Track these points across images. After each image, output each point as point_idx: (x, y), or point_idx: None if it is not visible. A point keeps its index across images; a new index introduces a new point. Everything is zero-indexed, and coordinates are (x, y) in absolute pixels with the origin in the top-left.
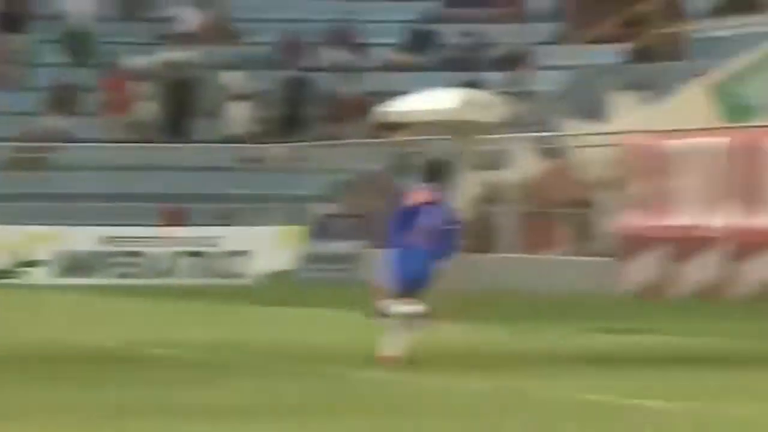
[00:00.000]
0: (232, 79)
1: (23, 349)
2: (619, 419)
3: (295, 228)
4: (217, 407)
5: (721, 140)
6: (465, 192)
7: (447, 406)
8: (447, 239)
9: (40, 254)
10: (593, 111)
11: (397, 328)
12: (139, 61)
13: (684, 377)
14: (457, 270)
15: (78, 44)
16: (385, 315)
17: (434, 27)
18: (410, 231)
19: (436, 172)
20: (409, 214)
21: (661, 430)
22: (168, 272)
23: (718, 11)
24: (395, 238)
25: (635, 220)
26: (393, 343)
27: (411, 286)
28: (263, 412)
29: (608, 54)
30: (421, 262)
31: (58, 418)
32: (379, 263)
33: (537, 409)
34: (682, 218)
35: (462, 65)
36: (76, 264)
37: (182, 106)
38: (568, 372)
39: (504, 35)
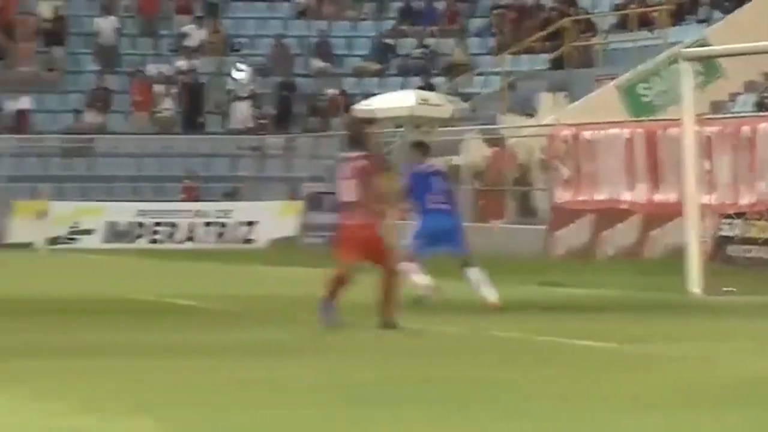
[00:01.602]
0: (236, 82)
1: (76, 301)
2: (573, 357)
3: (293, 203)
4: (229, 346)
5: (628, 131)
6: None
7: (428, 347)
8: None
9: (89, 224)
10: (525, 108)
11: (484, 279)
12: (160, 68)
13: (611, 322)
14: None
15: (108, 55)
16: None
17: (393, 41)
18: (431, 194)
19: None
20: (423, 180)
21: (610, 367)
22: (190, 238)
23: (621, 27)
24: (419, 204)
25: (565, 196)
26: (491, 292)
27: (441, 244)
28: (265, 351)
29: (534, 62)
30: (449, 220)
31: (104, 354)
32: (406, 230)
33: (501, 346)
34: (602, 194)
35: (416, 71)
36: (118, 232)
37: (196, 105)
38: (520, 318)
39: (449, 47)
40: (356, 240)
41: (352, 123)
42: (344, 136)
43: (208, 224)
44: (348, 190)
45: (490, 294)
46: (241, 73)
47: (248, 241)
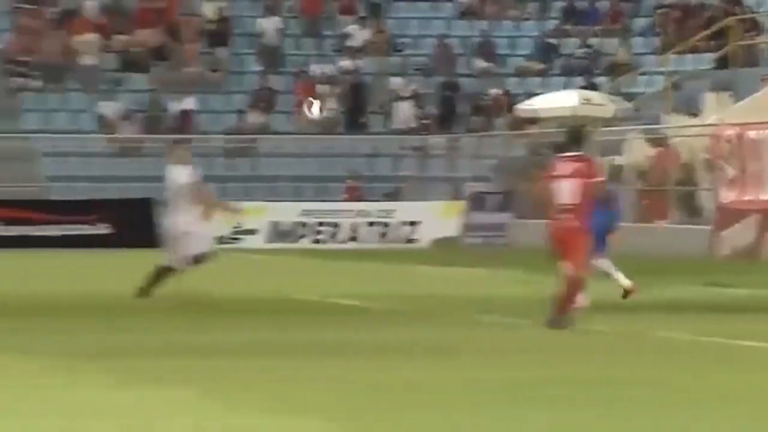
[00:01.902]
0: (397, 83)
1: (239, 300)
2: (732, 358)
3: (455, 203)
4: (391, 346)
5: None
6: None
7: (590, 347)
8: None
9: (252, 224)
10: (689, 107)
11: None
12: (323, 68)
13: None
14: None
15: (271, 56)
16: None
17: (557, 41)
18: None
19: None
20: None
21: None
22: (353, 238)
23: None
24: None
25: (730, 196)
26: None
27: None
28: (427, 351)
29: (698, 61)
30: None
31: (268, 354)
32: None
33: (666, 347)
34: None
35: (579, 71)
36: (281, 232)
37: (358, 105)
38: (685, 319)
39: (613, 47)
40: (565, 239)
41: (572, 124)
42: (563, 135)
43: (371, 224)
44: (566, 191)
45: (623, 279)
46: (314, 110)
47: (411, 240)
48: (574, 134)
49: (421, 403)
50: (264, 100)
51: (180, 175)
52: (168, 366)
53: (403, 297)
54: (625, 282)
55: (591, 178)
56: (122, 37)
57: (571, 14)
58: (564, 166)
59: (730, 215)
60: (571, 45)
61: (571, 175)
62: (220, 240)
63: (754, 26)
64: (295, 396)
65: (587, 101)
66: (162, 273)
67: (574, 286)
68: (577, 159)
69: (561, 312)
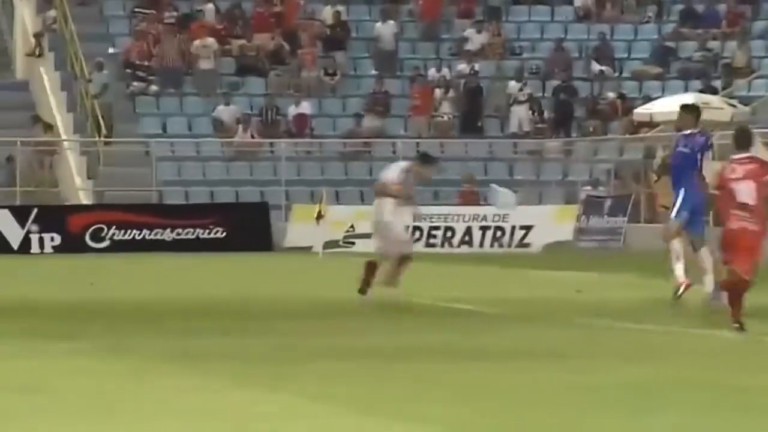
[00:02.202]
0: (513, 86)
1: (350, 302)
2: None
3: (569, 207)
4: (499, 350)
5: None
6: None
7: (691, 352)
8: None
9: (366, 228)
10: None
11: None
12: (440, 72)
13: None
14: (712, 241)
15: (387, 60)
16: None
17: (674, 44)
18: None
19: (747, 139)
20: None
21: None
22: (466, 242)
23: None
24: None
25: None
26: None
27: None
28: (540, 355)
29: None
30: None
31: (383, 357)
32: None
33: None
34: None
35: (697, 75)
36: None
37: (474, 109)
38: None
39: (731, 50)
40: (744, 243)
41: (739, 125)
42: (732, 138)
43: (484, 228)
44: (743, 193)
45: (680, 272)
46: (505, 200)
47: (524, 245)
48: (744, 136)
49: (534, 404)
50: (380, 104)
51: (389, 171)
52: (277, 372)
53: (517, 301)
54: (680, 275)
55: (763, 178)
56: (240, 42)
57: (689, 17)
58: (738, 168)
59: None
60: (689, 48)
61: (744, 177)
62: (333, 244)
63: None
64: (410, 400)
65: (705, 105)
66: (372, 268)
67: (738, 288)
68: (749, 160)
69: (734, 315)
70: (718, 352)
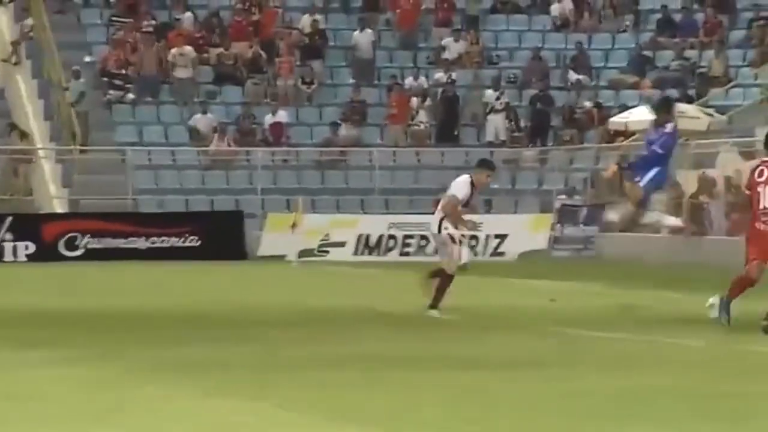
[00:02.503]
0: (490, 95)
1: (327, 311)
2: None
3: (544, 215)
4: (480, 359)
5: None
6: (683, 187)
7: (667, 360)
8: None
9: (341, 237)
10: None
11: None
12: (417, 81)
13: None
14: (683, 249)
15: (364, 68)
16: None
17: (651, 53)
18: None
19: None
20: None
21: None
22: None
23: None
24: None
25: None
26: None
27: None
28: (509, 364)
29: None
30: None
31: (364, 364)
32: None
33: (741, 361)
34: None
35: (674, 84)
36: (369, 244)
37: (451, 117)
38: None
39: (708, 59)
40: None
41: None
42: (765, 139)
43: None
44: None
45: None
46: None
47: (499, 253)
48: None
49: (519, 412)
50: (357, 113)
51: (455, 187)
52: (257, 380)
53: (494, 308)
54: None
55: None
56: (217, 50)
57: (666, 26)
58: (766, 171)
59: None
60: (666, 57)
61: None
62: (308, 253)
63: None
64: (401, 408)
65: (681, 114)
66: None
67: (746, 285)
68: None
69: (731, 296)
70: (694, 361)
